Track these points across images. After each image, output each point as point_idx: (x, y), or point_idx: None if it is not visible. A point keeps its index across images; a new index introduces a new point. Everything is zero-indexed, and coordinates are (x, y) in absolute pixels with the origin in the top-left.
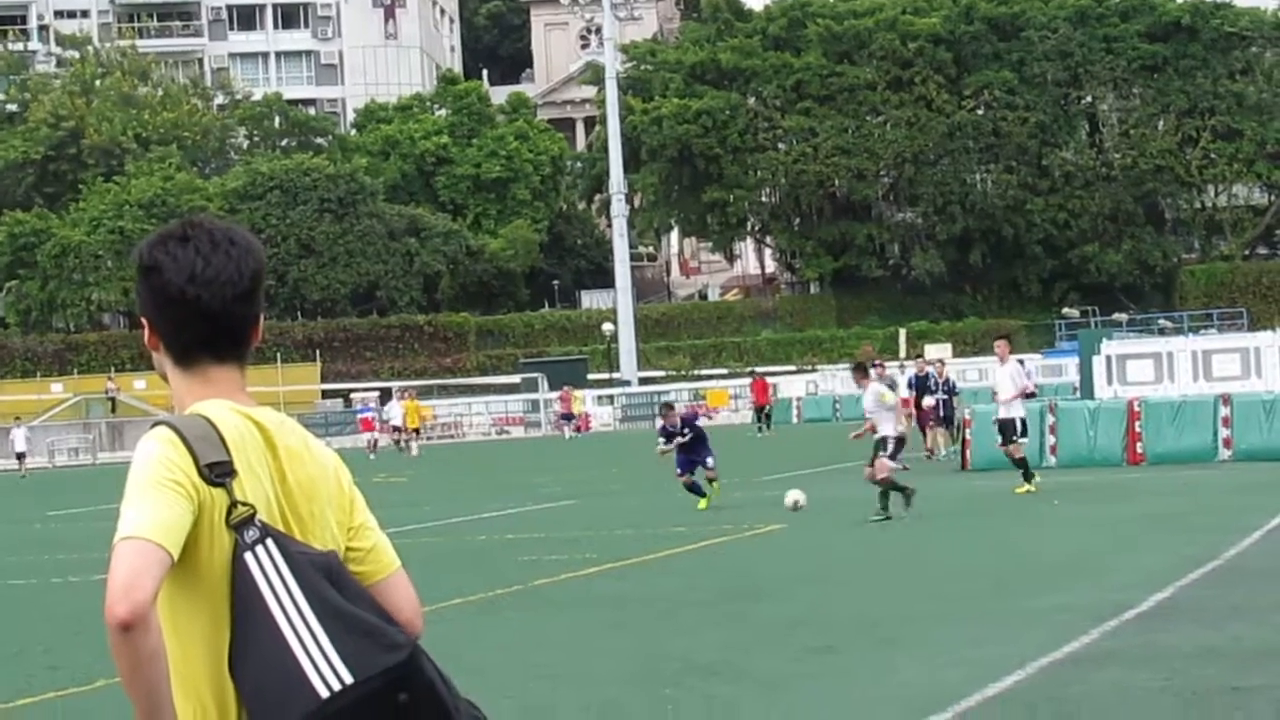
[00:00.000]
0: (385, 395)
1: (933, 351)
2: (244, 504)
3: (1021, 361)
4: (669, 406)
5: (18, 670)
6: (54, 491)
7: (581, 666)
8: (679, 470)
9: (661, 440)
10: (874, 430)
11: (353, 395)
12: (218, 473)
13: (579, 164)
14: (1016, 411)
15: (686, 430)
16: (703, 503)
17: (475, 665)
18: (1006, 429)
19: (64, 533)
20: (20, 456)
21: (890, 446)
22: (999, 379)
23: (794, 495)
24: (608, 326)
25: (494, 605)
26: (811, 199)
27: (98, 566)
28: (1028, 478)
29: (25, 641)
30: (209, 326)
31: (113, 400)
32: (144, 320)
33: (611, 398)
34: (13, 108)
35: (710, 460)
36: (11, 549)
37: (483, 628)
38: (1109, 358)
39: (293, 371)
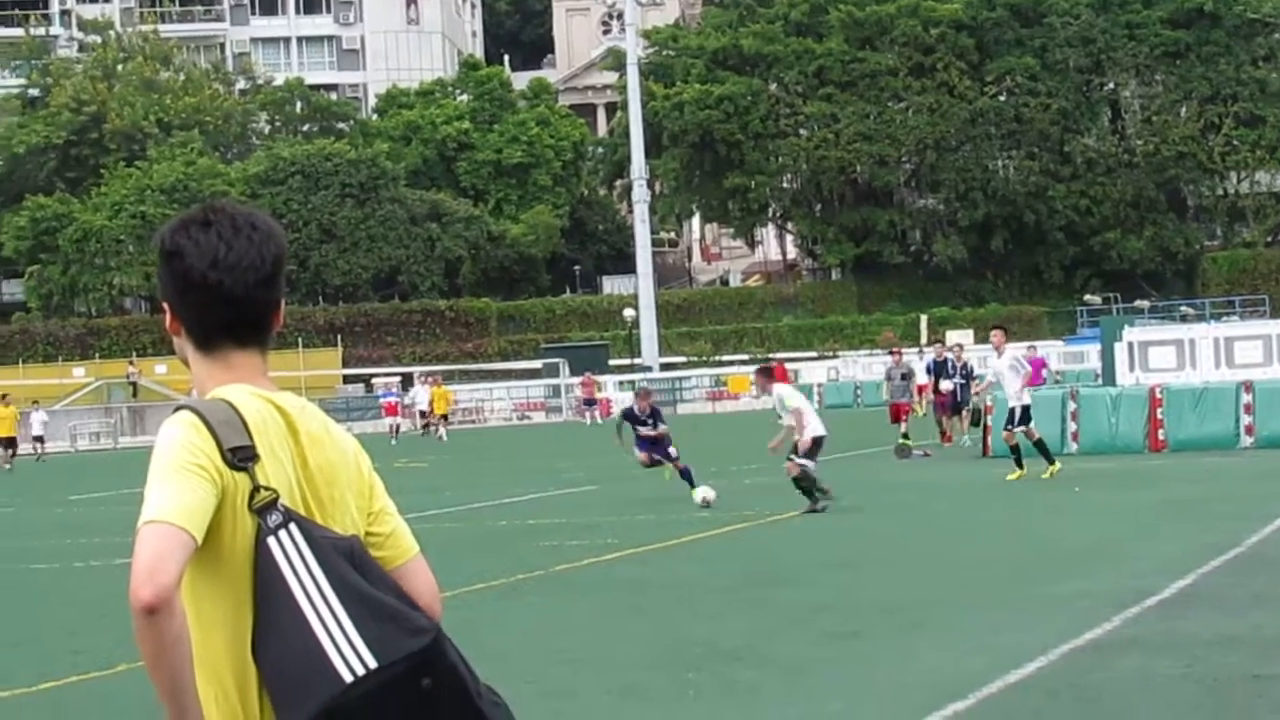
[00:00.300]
0: (406, 380)
1: (954, 338)
2: (266, 488)
3: (1033, 347)
4: (647, 393)
5: (40, 654)
6: (75, 476)
7: (603, 651)
8: (639, 449)
9: (621, 426)
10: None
11: (374, 380)
12: (240, 457)
13: (600, 149)
14: (1022, 399)
15: (651, 420)
16: (666, 472)
17: (497, 650)
18: (1011, 416)
19: (86, 517)
20: (38, 440)
21: (803, 447)
22: (1000, 368)
23: (703, 493)
24: (629, 312)
25: (515, 590)
26: (833, 185)
27: (119, 551)
28: (1019, 463)
29: (47, 625)
30: (231, 312)
31: (134, 385)
32: (165, 305)
33: (633, 383)
34: (35, 92)
35: (673, 451)
36: (34, 533)
37: (504, 613)
38: (1131, 344)
39: (314, 356)
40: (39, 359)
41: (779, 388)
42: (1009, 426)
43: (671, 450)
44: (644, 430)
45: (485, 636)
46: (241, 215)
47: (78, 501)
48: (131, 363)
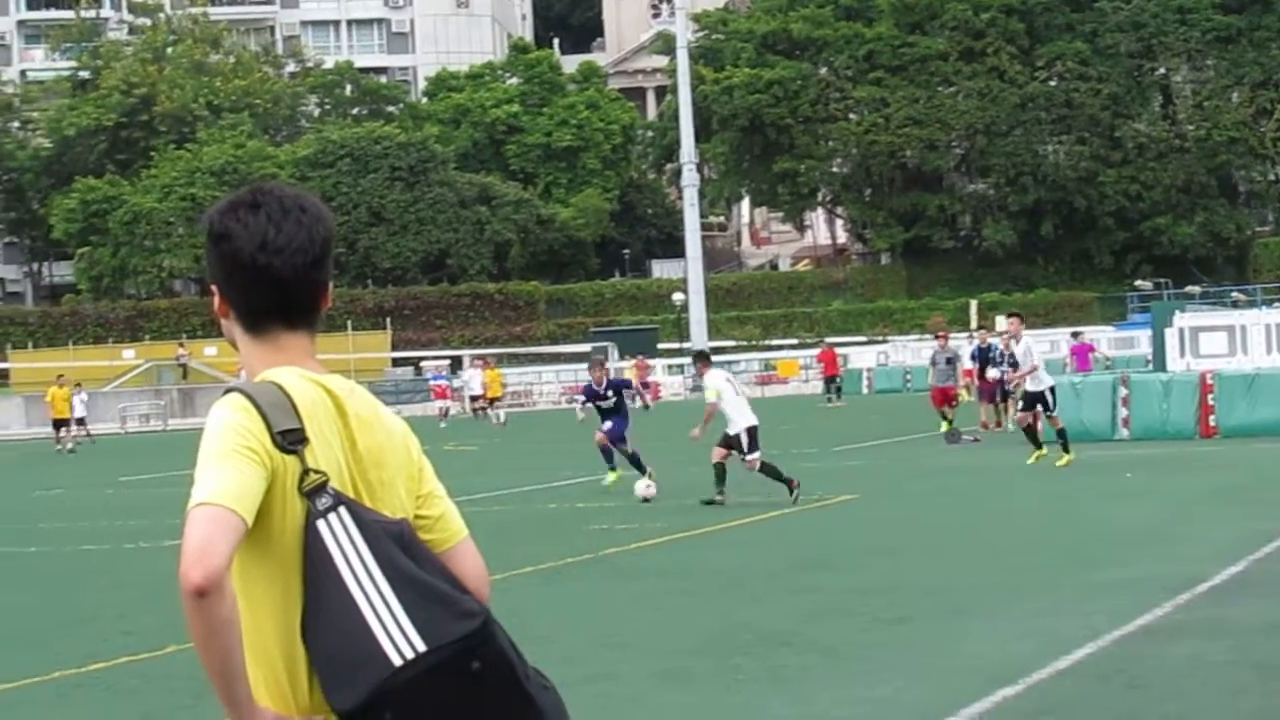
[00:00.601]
0: (455, 363)
1: (1004, 324)
2: (316, 471)
3: (1078, 333)
4: (600, 364)
5: (91, 635)
6: (125, 457)
7: (650, 635)
8: (602, 429)
9: (580, 400)
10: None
11: (422, 363)
12: (290, 440)
13: (649, 133)
14: (1045, 383)
15: (610, 393)
16: (611, 476)
17: (543, 633)
18: (1037, 401)
19: (135, 498)
20: (80, 422)
21: (745, 441)
22: (1019, 353)
23: (643, 489)
24: (678, 296)
25: (563, 574)
26: (883, 169)
27: (169, 532)
28: (1038, 445)
29: (98, 606)
30: (280, 294)
31: (184, 367)
32: (214, 287)
33: (681, 367)
34: (85, 75)
35: (627, 436)
36: (84, 514)
37: (551, 596)
38: (1181, 330)
39: (363, 339)
40: (89, 341)
41: (708, 377)
42: (1032, 408)
43: (626, 436)
44: (604, 405)
45: (532, 620)
46: (289, 197)
47: (127, 483)
48: (181, 345)
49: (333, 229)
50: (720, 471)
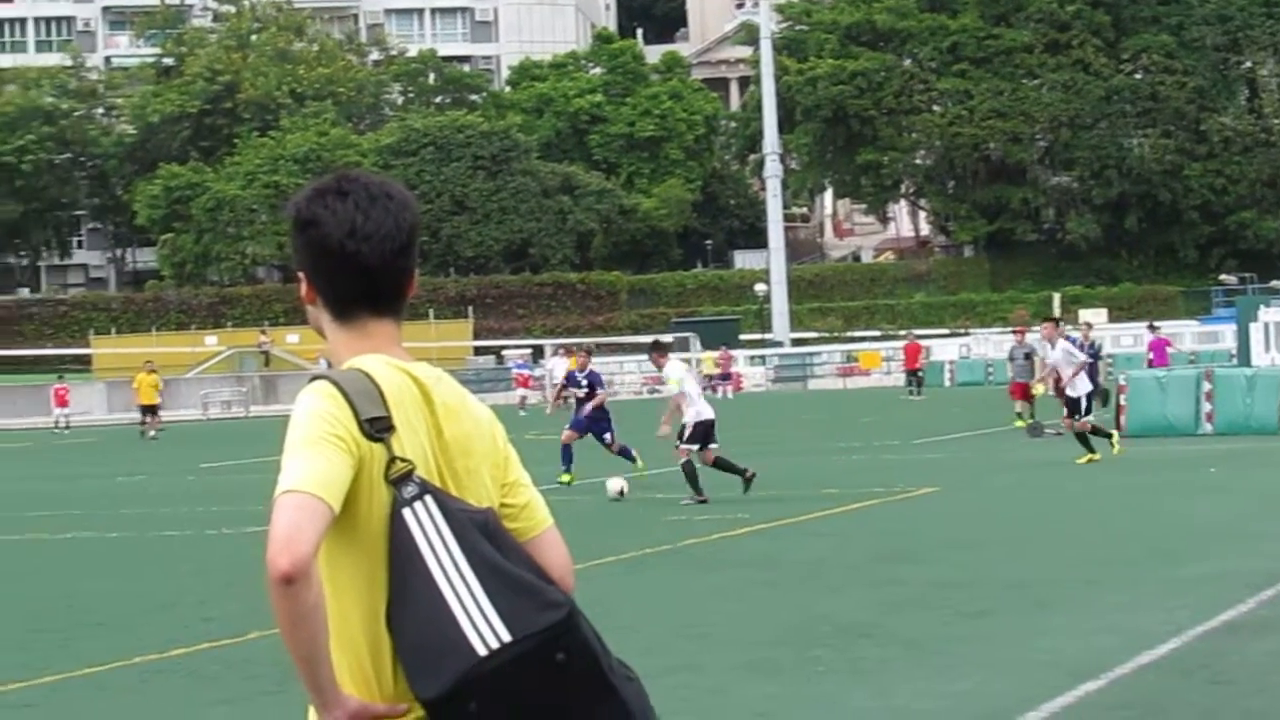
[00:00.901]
0: (536, 352)
1: (1087, 317)
2: (403, 459)
3: (1155, 327)
4: (587, 352)
5: (172, 620)
6: (206, 444)
7: (731, 626)
8: (569, 426)
9: (560, 383)
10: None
11: (504, 352)
12: (377, 428)
13: (732, 124)
14: (1082, 389)
15: (585, 383)
16: (565, 477)
17: (625, 624)
18: (1073, 406)
19: (216, 485)
20: (149, 409)
21: (687, 431)
22: (1056, 359)
23: (615, 485)
24: (760, 287)
25: (643, 564)
26: (966, 162)
27: (250, 519)
28: (1089, 447)
29: (180, 592)
30: (367, 281)
31: (265, 354)
32: (300, 274)
33: (764, 358)
34: (169, 61)
35: (608, 436)
36: (165, 500)
37: (632, 586)
38: (1267, 325)
39: (445, 328)
40: (171, 327)
41: (668, 368)
42: (1075, 416)
43: (608, 435)
44: (577, 391)
45: (614, 610)
46: (376, 184)
47: (208, 470)
48: (264, 332)
49: (418, 216)
50: (690, 471)
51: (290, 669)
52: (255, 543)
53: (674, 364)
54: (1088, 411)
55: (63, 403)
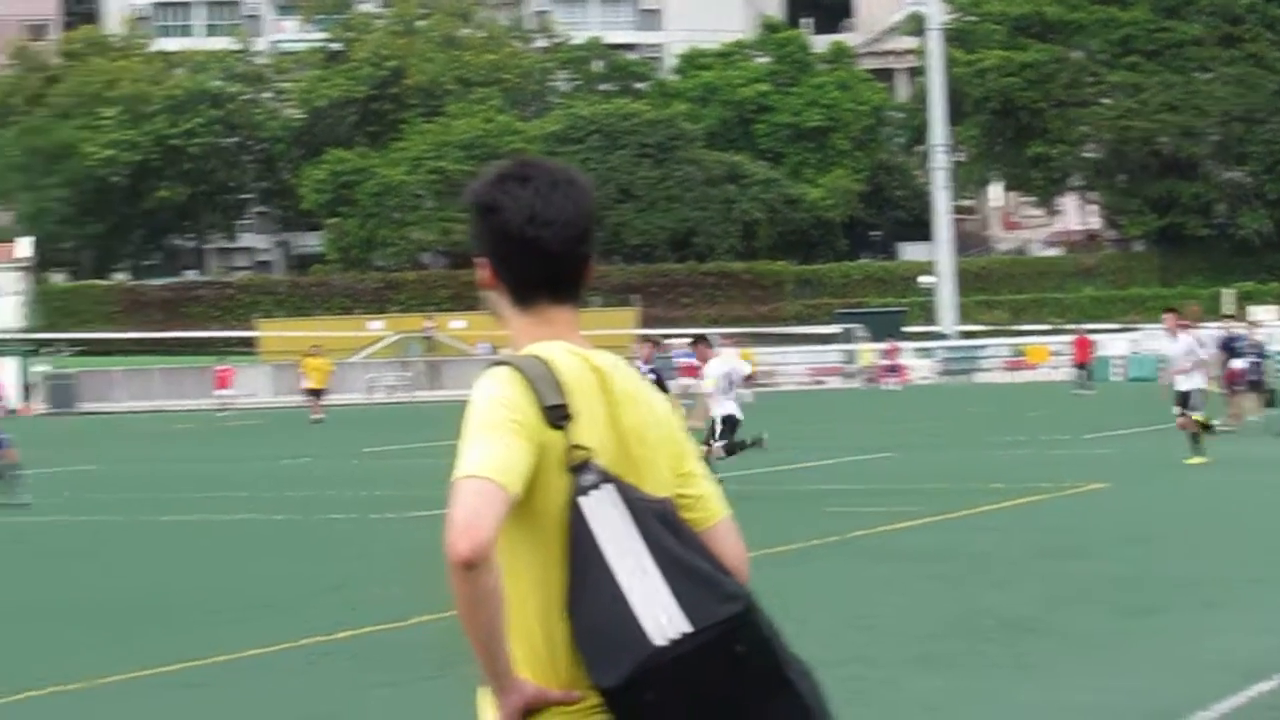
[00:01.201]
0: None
1: (1259, 313)
2: (582, 447)
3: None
4: (654, 344)
5: (338, 603)
6: (370, 428)
7: (899, 618)
8: None
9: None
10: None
11: (665, 341)
12: (557, 415)
13: (900, 115)
14: (1195, 383)
15: (650, 375)
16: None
17: (796, 615)
18: (1182, 400)
19: (380, 469)
20: (316, 393)
21: (718, 429)
22: (1175, 352)
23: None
24: (925, 279)
25: (811, 555)
26: (1137, 155)
27: (415, 504)
28: (1199, 449)
29: (345, 575)
30: (548, 267)
31: (429, 339)
32: (480, 260)
33: (930, 351)
34: (336, 46)
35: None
36: (330, 483)
37: (799, 578)
38: None
39: (609, 315)
40: (335, 311)
41: (711, 364)
42: (1184, 411)
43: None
44: None
45: (783, 601)
46: (557, 170)
47: (371, 454)
48: (429, 317)
49: (595, 202)
50: (732, 450)
51: (453, 653)
52: (419, 528)
53: (715, 363)
54: (1197, 407)
55: (224, 384)
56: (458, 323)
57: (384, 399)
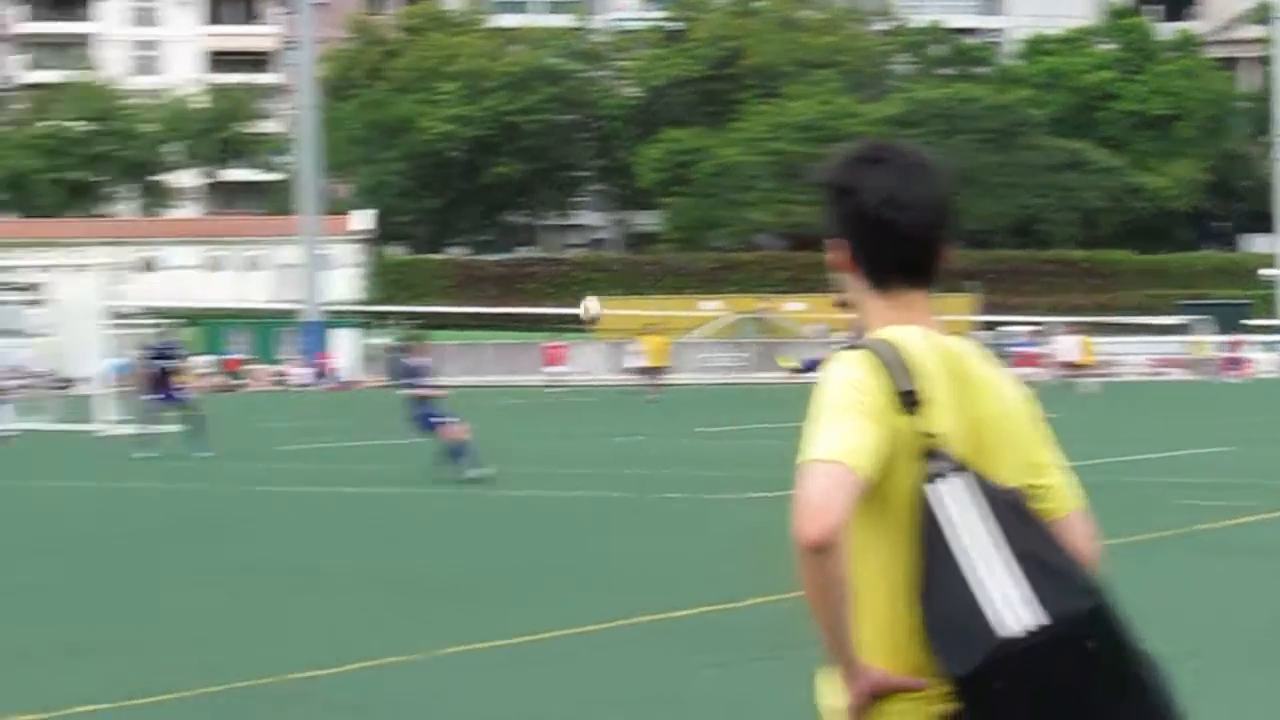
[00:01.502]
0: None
1: None
2: (933, 434)
3: None
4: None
5: (671, 582)
6: (702, 408)
7: (1240, 614)
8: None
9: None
10: None
11: (999, 328)
12: (910, 400)
13: (1246, 105)
14: None
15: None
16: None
17: (1141, 609)
18: None
19: (712, 449)
20: (653, 371)
21: None
22: None
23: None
24: (1267, 272)
25: (1156, 547)
26: None
27: (750, 485)
28: None
29: (680, 554)
30: (903, 250)
31: (763, 320)
32: (835, 242)
33: (1274, 344)
34: (675, 26)
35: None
36: (663, 462)
37: (1143, 570)
38: None
39: (945, 301)
40: (667, 291)
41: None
42: None
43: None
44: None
45: (1128, 594)
46: (912, 153)
47: (704, 434)
48: (764, 299)
49: (951, 186)
50: None
51: (784, 636)
52: (754, 509)
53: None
54: None
55: (554, 361)
56: (793, 305)
57: (717, 380)
